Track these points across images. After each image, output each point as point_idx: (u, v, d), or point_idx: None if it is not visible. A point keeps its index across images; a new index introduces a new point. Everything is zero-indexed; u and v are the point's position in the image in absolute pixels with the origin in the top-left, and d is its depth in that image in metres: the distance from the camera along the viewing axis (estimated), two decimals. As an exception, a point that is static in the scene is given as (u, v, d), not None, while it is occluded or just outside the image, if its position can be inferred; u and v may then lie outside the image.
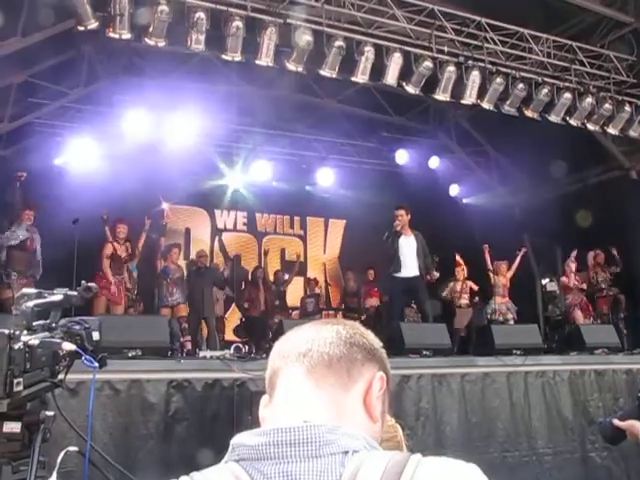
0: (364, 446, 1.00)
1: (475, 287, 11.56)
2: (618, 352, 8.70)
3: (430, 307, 9.15)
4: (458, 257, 11.69)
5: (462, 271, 11.63)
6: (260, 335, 10.96)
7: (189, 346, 9.28)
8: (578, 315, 10.78)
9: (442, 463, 0.99)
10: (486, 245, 11.03)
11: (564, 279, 11.22)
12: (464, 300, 11.53)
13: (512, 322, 10.79)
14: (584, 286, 11.09)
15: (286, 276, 12.47)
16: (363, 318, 11.71)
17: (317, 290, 13.40)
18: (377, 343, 1.17)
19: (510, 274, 11.23)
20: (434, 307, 9.94)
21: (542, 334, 9.46)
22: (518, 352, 7.83)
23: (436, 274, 9.23)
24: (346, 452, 0.97)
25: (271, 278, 12.24)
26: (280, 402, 1.10)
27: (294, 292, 13.22)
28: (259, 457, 0.99)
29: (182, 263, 11.14)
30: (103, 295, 8.81)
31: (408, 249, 8.84)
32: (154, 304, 10.11)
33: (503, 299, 11.07)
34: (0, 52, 8.07)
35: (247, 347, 9.17)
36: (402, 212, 8.94)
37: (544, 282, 12.86)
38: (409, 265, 8.79)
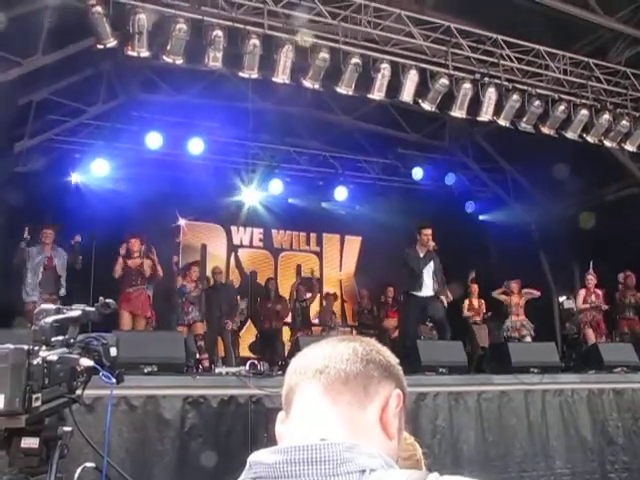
0: (381, 465, 0.99)
1: (484, 309, 11.48)
2: (637, 371, 8.58)
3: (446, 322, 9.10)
4: (473, 274, 11.63)
5: (477, 289, 11.55)
6: (273, 349, 10.95)
7: (206, 364, 9.24)
8: (589, 334, 10.50)
9: (459, 483, 0.98)
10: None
11: (582, 293, 10.88)
12: (480, 317, 11.46)
13: (529, 339, 10.69)
14: (603, 305, 10.81)
15: (308, 295, 12.44)
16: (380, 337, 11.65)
17: (334, 306, 13.37)
18: (393, 360, 1.17)
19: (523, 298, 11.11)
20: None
21: (559, 352, 9.36)
22: (535, 370, 7.76)
23: (449, 294, 9.18)
24: (363, 471, 0.97)
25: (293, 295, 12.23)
26: (296, 419, 1.10)
27: (315, 308, 13.19)
28: (276, 475, 0.98)
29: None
30: (123, 309, 8.79)
31: (427, 269, 8.83)
32: (169, 321, 10.09)
33: (518, 317, 10.94)
34: (21, 70, 8.20)
35: (262, 364, 9.12)
36: (430, 231, 8.93)
37: (561, 299, 12.74)
38: (428, 285, 8.78)
